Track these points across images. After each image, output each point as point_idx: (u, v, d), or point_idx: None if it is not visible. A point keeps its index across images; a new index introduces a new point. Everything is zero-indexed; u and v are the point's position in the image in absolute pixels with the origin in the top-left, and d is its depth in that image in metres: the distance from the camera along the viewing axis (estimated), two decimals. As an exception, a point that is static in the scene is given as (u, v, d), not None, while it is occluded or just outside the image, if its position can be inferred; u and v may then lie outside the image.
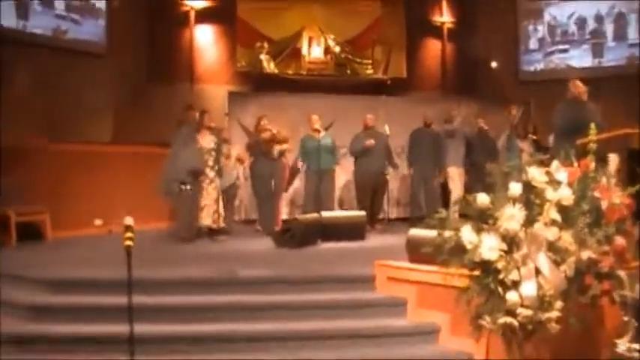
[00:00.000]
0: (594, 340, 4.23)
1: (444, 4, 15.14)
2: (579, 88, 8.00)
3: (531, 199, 3.91)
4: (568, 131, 7.25)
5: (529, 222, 3.84)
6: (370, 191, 10.26)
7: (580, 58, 14.36)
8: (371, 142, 10.08)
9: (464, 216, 4.08)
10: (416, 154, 10.75)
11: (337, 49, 14.70)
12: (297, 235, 8.12)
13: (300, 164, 10.35)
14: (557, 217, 3.84)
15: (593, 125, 4.68)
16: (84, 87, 11.50)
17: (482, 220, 3.94)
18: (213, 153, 9.06)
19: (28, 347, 5.17)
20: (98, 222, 9.08)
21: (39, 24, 11.26)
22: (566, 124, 7.64)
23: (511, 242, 3.82)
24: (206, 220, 8.90)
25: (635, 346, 3.88)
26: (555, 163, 4.06)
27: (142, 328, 4.66)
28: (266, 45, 14.13)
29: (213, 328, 5.30)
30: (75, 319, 5.41)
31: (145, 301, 5.34)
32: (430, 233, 4.28)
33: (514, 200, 3.87)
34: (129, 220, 4.05)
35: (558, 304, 3.73)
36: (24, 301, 5.69)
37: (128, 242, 4.03)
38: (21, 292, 5.93)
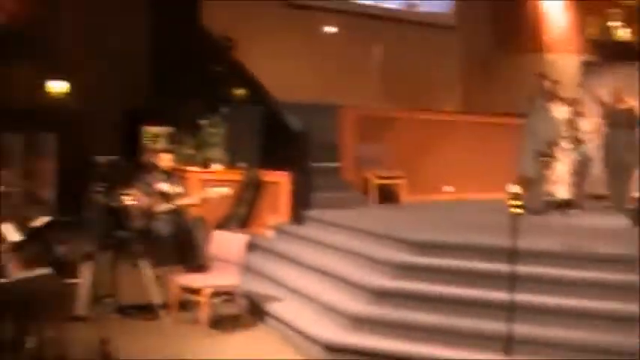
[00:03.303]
0: None
1: None
2: None
3: None
4: None
5: None
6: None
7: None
8: None
9: None
10: None
11: None
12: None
13: None
14: None
15: None
16: (433, 59, 11.88)
17: None
18: (567, 124, 8.82)
19: (393, 301, 5.59)
20: (448, 189, 9.35)
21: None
22: None
23: None
24: (560, 192, 8.71)
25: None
26: None
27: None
28: (618, 11, 13.24)
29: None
30: (439, 280, 5.67)
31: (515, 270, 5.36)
32: None
33: None
34: (515, 188, 4.14)
35: None
36: (389, 259, 6.09)
37: (516, 209, 4.08)
38: (384, 249, 6.37)
